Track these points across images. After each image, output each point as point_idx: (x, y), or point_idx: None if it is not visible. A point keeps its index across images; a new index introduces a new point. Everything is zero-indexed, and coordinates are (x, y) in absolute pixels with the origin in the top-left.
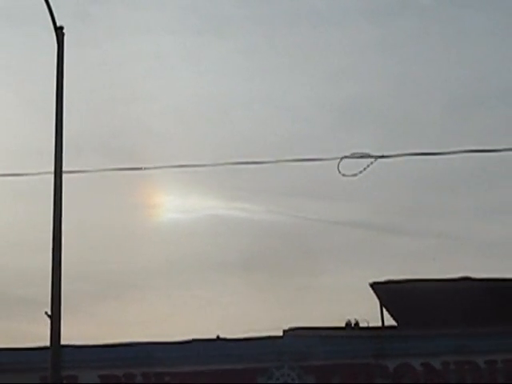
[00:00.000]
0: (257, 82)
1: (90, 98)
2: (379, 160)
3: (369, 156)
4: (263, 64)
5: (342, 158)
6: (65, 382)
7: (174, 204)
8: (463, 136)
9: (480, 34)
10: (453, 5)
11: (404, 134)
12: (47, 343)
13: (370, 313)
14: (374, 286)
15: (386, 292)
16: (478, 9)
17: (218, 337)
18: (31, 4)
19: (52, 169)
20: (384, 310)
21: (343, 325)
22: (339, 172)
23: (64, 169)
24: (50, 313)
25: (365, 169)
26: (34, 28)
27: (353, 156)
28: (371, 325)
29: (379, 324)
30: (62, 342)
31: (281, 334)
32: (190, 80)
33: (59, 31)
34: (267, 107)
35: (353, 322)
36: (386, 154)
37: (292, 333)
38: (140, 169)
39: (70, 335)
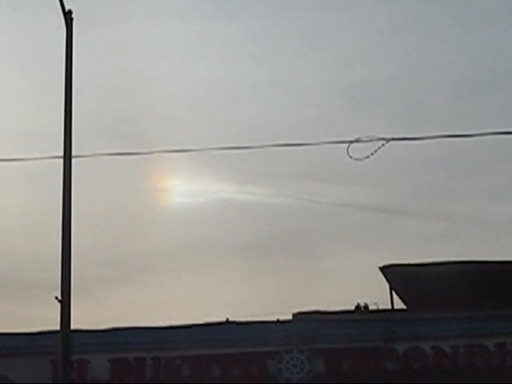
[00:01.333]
0: (266, 66)
1: (99, 81)
2: (389, 143)
3: (378, 139)
4: (273, 48)
5: (351, 142)
6: (75, 365)
7: (183, 188)
8: (474, 118)
9: (490, 16)
10: None
11: (414, 117)
12: (57, 327)
13: (380, 296)
14: (384, 269)
15: (395, 275)
16: None
17: (227, 320)
18: None
19: (61, 153)
20: (393, 293)
21: (353, 308)
22: (349, 156)
23: (73, 153)
24: (60, 297)
25: (375, 152)
26: (43, 11)
27: (363, 139)
28: (381, 308)
29: (389, 307)
30: (73, 326)
31: (290, 317)
32: (199, 64)
33: (68, 15)
34: (277, 91)
35: (362, 306)
36: (395, 137)
37: (301, 316)
38: (149, 153)
39: (81, 319)
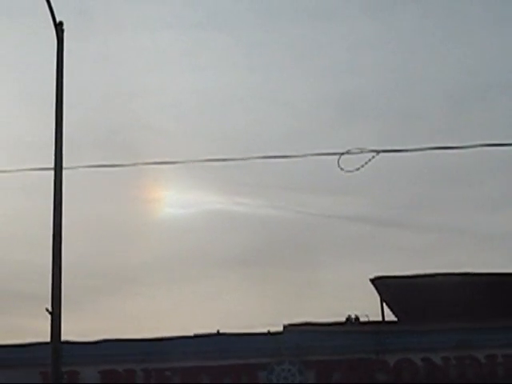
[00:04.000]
0: (256, 76)
1: (90, 92)
2: (380, 154)
3: (369, 151)
4: (263, 58)
5: (342, 154)
6: (65, 377)
7: (173, 199)
8: (464, 129)
9: (480, 27)
10: None
11: (404, 128)
12: (48, 339)
13: (371, 308)
14: (375, 281)
15: (386, 287)
16: (479, 1)
17: (218, 332)
18: None
19: (52, 163)
20: (384, 305)
21: (344, 320)
22: (340, 168)
23: (64, 163)
24: (50, 309)
25: (365, 164)
26: (34, 22)
27: (354, 151)
28: (371, 320)
29: (379, 319)
30: (63, 338)
31: (281, 329)
32: (189, 74)
33: (59, 27)
34: (267, 102)
35: (353, 317)
36: (386, 148)
37: (292, 328)
38: (139, 164)
39: (71, 330)
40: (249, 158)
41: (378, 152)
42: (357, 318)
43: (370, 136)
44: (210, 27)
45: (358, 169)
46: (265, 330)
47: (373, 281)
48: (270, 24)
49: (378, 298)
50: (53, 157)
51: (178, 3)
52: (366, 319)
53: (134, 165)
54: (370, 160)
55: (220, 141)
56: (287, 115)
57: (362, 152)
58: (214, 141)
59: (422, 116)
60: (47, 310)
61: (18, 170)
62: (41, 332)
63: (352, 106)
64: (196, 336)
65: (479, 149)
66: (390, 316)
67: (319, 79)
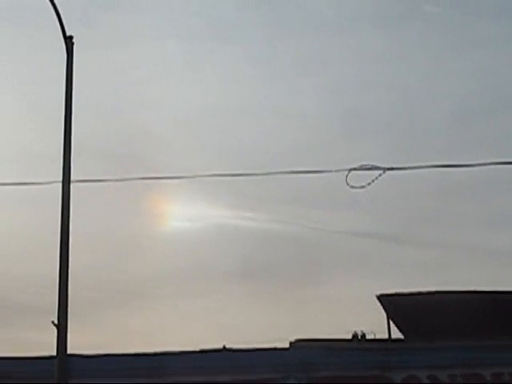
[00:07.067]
0: (263, 89)
1: (96, 104)
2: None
3: (377, 168)
4: (269, 71)
5: (349, 171)
6: None
7: (179, 213)
8: (471, 146)
9: (487, 43)
10: (460, 13)
11: (411, 144)
12: (54, 352)
13: (377, 325)
14: (381, 298)
15: (392, 304)
16: (485, 17)
17: (224, 347)
18: (41, 12)
19: (60, 176)
20: (391, 322)
21: (350, 337)
22: (347, 184)
23: (72, 176)
24: (56, 322)
25: (373, 181)
26: (44, 35)
27: (361, 168)
28: (378, 337)
29: (386, 336)
30: (69, 351)
31: (287, 345)
32: (196, 87)
33: (68, 40)
34: (273, 115)
35: (359, 334)
36: (393, 164)
37: (299, 344)
38: (146, 179)
39: (77, 344)
40: (255, 175)
41: (384, 170)
42: (363, 335)
43: (376, 151)
44: (216, 39)
45: (364, 186)
46: (271, 346)
47: (379, 298)
48: (276, 36)
49: (385, 315)
50: (60, 169)
51: (184, 15)
52: (372, 336)
53: (142, 179)
54: (377, 177)
55: (226, 153)
56: (294, 129)
57: (369, 169)
58: (221, 153)
59: (428, 131)
60: (53, 322)
61: (25, 184)
62: (47, 345)
63: (359, 121)
64: (202, 351)
65: (485, 166)
66: (396, 333)
67: (326, 93)
